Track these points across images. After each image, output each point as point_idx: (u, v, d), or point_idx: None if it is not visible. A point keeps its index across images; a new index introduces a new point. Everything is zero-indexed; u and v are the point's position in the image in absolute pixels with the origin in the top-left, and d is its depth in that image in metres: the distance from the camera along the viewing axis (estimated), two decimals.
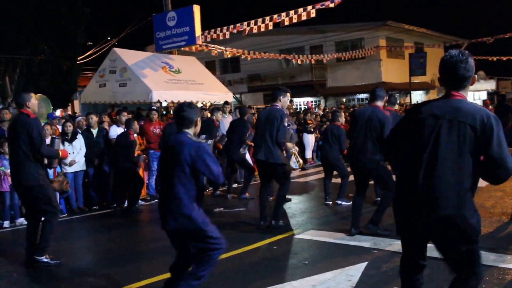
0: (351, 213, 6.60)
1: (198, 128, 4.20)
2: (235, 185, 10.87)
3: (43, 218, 5.86)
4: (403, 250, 3.37)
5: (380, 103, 6.49)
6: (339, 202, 8.57)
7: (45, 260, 5.81)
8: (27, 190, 5.83)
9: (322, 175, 9.70)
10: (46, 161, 6.25)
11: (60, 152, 6.29)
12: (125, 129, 9.15)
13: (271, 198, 7.96)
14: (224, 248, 4.09)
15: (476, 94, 32.66)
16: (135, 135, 9.35)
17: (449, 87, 3.11)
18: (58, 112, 15.70)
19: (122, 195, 9.17)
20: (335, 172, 8.97)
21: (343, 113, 9.83)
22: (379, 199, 8.34)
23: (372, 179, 6.69)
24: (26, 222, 8.25)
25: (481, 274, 3.11)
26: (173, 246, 4.24)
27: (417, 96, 33.95)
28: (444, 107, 3.04)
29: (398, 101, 27.49)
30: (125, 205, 9.13)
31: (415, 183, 3.02)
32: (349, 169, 8.83)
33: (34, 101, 5.95)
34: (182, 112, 4.10)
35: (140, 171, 9.67)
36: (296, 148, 10.36)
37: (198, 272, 4.00)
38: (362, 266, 5.14)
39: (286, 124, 6.99)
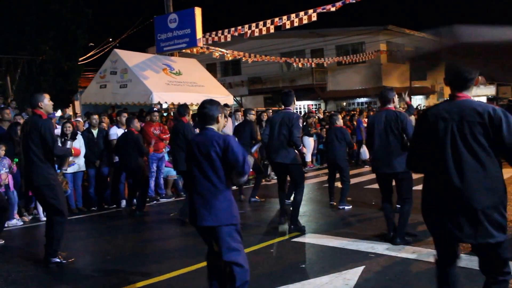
0: (386, 222, 6.37)
1: (221, 124, 4.19)
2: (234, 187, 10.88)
3: (51, 219, 5.88)
4: (437, 248, 3.40)
5: (391, 106, 6.34)
6: (342, 207, 8.57)
7: (58, 260, 5.84)
8: (37, 190, 5.88)
9: (321, 179, 9.74)
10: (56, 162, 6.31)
11: (73, 151, 6.33)
12: (126, 129, 9.18)
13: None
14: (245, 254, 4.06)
15: (476, 99, 32.64)
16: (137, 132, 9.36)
17: (454, 88, 3.22)
18: (58, 113, 15.72)
19: (131, 196, 9.20)
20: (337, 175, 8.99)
21: (340, 116, 9.82)
22: (333, 203, 8.62)
23: (396, 183, 6.28)
24: (20, 223, 8.36)
25: (509, 268, 3.15)
26: (206, 243, 4.18)
27: (417, 101, 33.97)
28: (451, 109, 3.14)
29: (398, 106, 27.43)
30: (123, 205, 9.18)
31: (446, 185, 3.09)
32: (350, 172, 8.87)
33: (47, 102, 5.98)
34: (203, 110, 4.10)
35: None
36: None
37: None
38: (359, 270, 5.15)
39: (301, 125, 7.08)
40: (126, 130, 9.23)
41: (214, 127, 4.10)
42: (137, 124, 9.32)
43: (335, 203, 8.77)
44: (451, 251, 3.34)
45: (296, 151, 7.08)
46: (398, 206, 6.39)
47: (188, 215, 4.17)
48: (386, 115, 6.21)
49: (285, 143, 6.99)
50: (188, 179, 4.25)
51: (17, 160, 8.24)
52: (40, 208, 8.56)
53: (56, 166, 6.46)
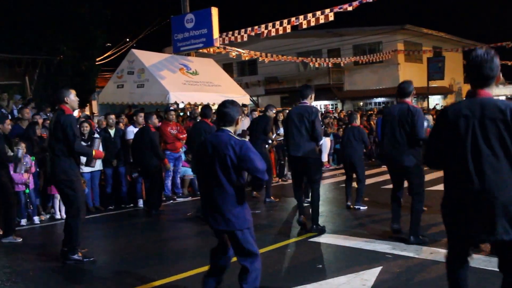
0: (391, 210, 6.60)
1: (239, 126, 4.16)
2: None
3: (68, 215, 5.94)
4: (451, 250, 3.37)
5: (408, 100, 6.28)
6: (357, 207, 8.51)
7: (78, 258, 5.89)
8: (58, 184, 5.97)
9: (338, 179, 9.69)
10: (84, 160, 6.39)
11: (94, 152, 6.35)
12: (144, 125, 9.18)
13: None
14: (259, 255, 4.04)
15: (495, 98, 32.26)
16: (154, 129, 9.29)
17: (475, 85, 3.19)
18: (76, 113, 15.84)
19: (148, 196, 9.21)
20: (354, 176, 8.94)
21: (358, 115, 9.77)
22: (350, 205, 8.64)
23: (406, 179, 6.32)
24: (38, 221, 8.44)
25: None
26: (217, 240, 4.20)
27: (435, 101, 33.65)
28: (472, 107, 3.11)
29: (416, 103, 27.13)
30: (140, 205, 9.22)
31: (467, 183, 3.06)
32: (367, 172, 8.82)
33: (73, 97, 6.02)
34: (224, 109, 4.04)
35: None
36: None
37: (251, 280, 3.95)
38: (376, 270, 5.10)
39: (320, 117, 7.04)
40: (143, 126, 9.22)
41: (231, 129, 4.03)
42: (155, 120, 9.32)
43: (351, 206, 8.70)
44: (464, 252, 3.31)
45: (316, 144, 7.04)
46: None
47: (202, 214, 4.18)
48: (399, 108, 6.18)
49: (304, 136, 6.92)
50: (200, 179, 4.22)
51: (33, 158, 8.32)
52: (57, 207, 8.63)
53: (84, 162, 6.57)
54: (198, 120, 10.11)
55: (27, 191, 8.20)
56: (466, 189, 3.08)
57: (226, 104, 4.07)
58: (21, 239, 7.19)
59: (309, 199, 7.35)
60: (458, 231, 3.21)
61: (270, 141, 10.35)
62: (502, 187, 2.98)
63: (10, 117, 11.31)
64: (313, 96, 7.17)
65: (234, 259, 4.08)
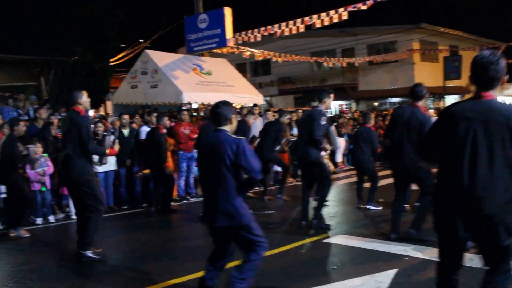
0: (391, 218, 6.49)
1: (234, 125, 4.29)
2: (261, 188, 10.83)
3: (86, 213, 5.98)
4: (442, 250, 3.32)
5: (421, 103, 6.26)
6: (369, 206, 8.48)
7: (89, 254, 5.94)
8: (75, 185, 6.00)
9: (352, 179, 9.63)
10: (97, 158, 6.47)
11: (107, 151, 6.46)
12: (155, 126, 9.21)
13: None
14: (266, 247, 4.14)
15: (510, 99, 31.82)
16: (165, 130, 9.23)
17: (479, 87, 3.15)
18: (91, 113, 15.95)
19: (156, 195, 9.21)
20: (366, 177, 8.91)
21: (373, 116, 9.75)
22: (360, 206, 8.60)
23: (411, 181, 6.50)
24: (53, 220, 8.49)
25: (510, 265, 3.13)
26: (215, 242, 4.33)
27: (452, 101, 33.23)
28: (476, 109, 3.07)
29: (431, 106, 26.80)
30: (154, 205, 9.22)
31: (459, 184, 3.03)
32: (382, 172, 8.74)
33: (85, 98, 6.12)
34: (217, 109, 4.21)
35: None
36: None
37: (242, 276, 4.04)
38: (391, 273, 5.04)
39: (324, 123, 6.99)
40: (154, 127, 9.24)
41: (228, 128, 4.20)
42: (166, 121, 9.32)
43: (362, 207, 8.65)
44: (457, 255, 3.27)
45: (320, 150, 7.08)
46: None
47: (203, 214, 4.26)
48: (411, 112, 6.13)
49: (305, 139, 7.06)
50: (202, 179, 4.33)
51: (47, 154, 8.38)
52: (72, 206, 8.66)
53: (97, 159, 6.68)
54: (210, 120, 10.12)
55: (44, 189, 8.26)
56: (457, 192, 3.06)
57: (219, 105, 4.23)
58: (29, 234, 7.45)
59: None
60: (447, 234, 3.19)
61: (278, 147, 10.36)
62: (494, 195, 2.95)
63: (27, 118, 11.45)
64: (327, 100, 7.20)
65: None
